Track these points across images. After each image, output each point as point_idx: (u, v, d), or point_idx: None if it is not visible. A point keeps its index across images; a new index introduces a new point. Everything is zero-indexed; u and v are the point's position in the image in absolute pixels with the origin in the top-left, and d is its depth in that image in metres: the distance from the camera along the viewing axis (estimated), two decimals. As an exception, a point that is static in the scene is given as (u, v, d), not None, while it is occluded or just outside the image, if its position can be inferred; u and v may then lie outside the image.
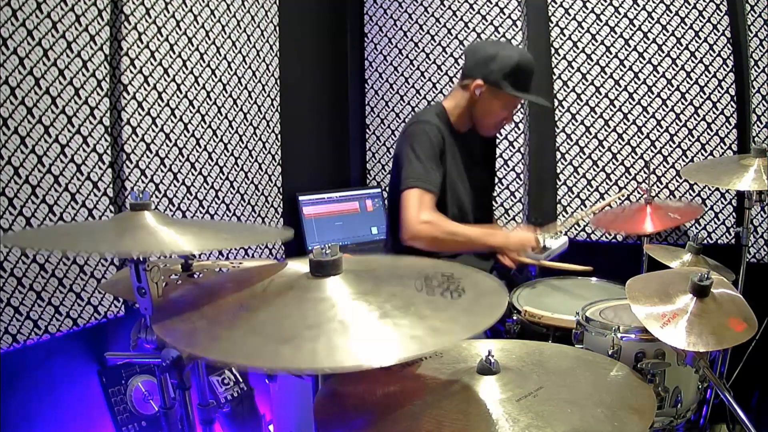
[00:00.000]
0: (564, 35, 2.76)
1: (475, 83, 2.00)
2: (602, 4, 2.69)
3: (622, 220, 2.48)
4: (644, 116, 2.70)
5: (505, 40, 2.82)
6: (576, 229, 2.84)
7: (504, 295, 1.02)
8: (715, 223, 2.66)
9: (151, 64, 2.03)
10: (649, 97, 2.68)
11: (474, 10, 2.88)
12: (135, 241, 1.03)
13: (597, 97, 2.75)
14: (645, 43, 2.66)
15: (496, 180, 2.64)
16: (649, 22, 2.64)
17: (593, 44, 2.73)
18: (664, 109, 2.67)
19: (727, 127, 2.60)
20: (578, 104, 2.78)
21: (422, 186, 1.93)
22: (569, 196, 2.84)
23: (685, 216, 2.53)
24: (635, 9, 2.65)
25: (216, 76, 2.29)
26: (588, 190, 2.82)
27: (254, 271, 1.14)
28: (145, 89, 2.02)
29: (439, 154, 2.00)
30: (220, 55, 2.30)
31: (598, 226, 2.72)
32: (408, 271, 1.08)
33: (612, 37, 2.70)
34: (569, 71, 2.78)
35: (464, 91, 2.06)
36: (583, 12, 2.72)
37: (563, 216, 2.86)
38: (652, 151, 2.71)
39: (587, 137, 2.79)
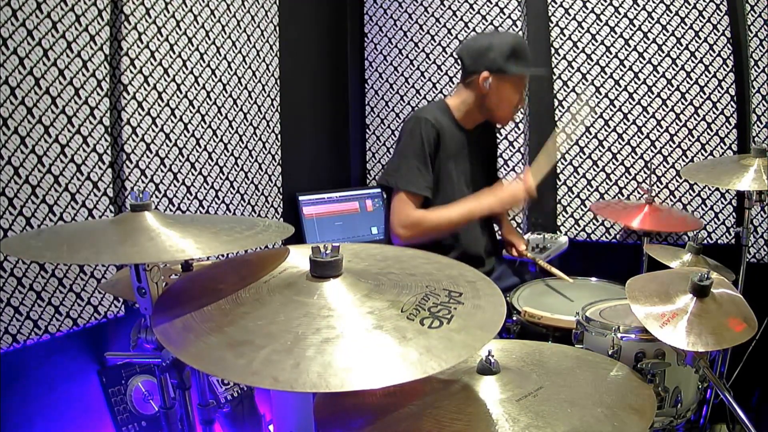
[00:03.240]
0: (564, 35, 2.76)
1: (481, 77, 2.00)
2: (602, 4, 2.69)
3: (621, 214, 2.58)
4: (644, 116, 2.70)
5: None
6: (576, 228, 2.84)
7: (483, 340, 0.92)
8: (715, 223, 2.66)
9: (151, 64, 2.03)
10: (649, 97, 2.68)
11: (474, 10, 2.88)
12: (135, 248, 1.02)
13: (597, 97, 2.75)
14: (645, 43, 2.66)
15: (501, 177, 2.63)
16: (649, 22, 2.64)
17: (593, 44, 2.73)
18: (664, 109, 2.67)
19: (727, 127, 2.60)
20: (578, 104, 2.78)
21: (406, 188, 1.96)
22: (569, 196, 2.84)
23: (682, 227, 2.60)
24: (635, 9, 2.65)
25: (216, 76, 2.29)
26: (588, 190, 2.82)
27: (256, 260, 1.13)
28: (145, 89, 2.02)
29: (433, 152, 2.00)
30: (220, 55, 2.30)
31: (597, 214, 2.75)
32: (417, 280, 1.04)
33: (612, 37, 2.70)
34: (569, 71, 2.78)
35: (469, 88, 2.06)
36: (583, 12, 2.72)
37: (563, 215, 2.86)
38: (652, 151, 2.71)
39: (587, 137, 2.79)
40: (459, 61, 2.12)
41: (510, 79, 2.01)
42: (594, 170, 2.80)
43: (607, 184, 2.79)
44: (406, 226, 1.96)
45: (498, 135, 2.73)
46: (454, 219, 1.98)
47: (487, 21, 2.87)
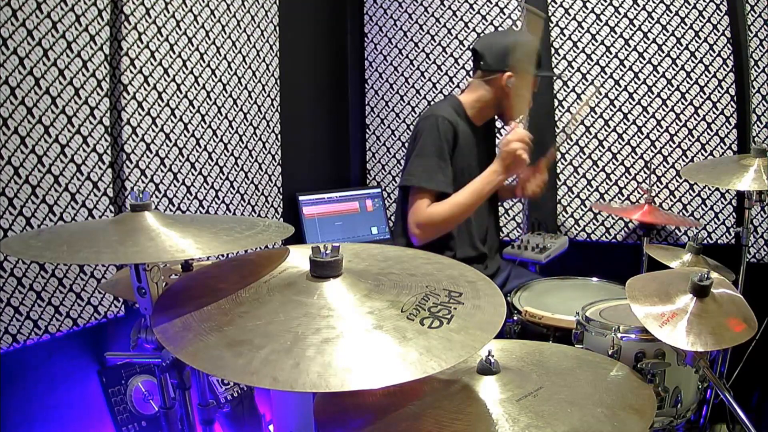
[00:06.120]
0: (564, 35, 2.76)
1: (505, 76, 2.03)
2: (602, 4, 2.69)
3: (621, 213, 2.64)
4: (644, 116, 2.70)
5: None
6: (576, 228, 2.84)
7: (483, 340, 0.92)
8: (715, 223, 2.66)
9: (151, 64, 2.03)
10: (649, 97, 2.68)
11: (474, 10, 2.88)
12: (135, 248, 1.02)
13: (597, 97, 2.75)
14: (645, 43, 2.66)
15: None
16: (649, 22, 2.64)
17: (593, 44, 2.73)
18: (664, 109, 2.67)
19: (727, 127, 2.60)
20: (578, 104, 2.78)
21: (426, 185, 1.95)
22: (569, 196, 2.84)
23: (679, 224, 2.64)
24: (635, 9, 2.65)
25: (216, 76, 2.29)
26: (588, 190, 2.82)
27: (256, 260, 1.13)
28: (145, 89, 2.02)
29: (451, 149, 2.00)
30: (220, 55, 2.30)
31: (599, 210, 2.78)
32: (417, 280, 1.03)
33: (612, 37, 2.70)
34: (569, 71, 2.78)
35: (489, 85, 2.07)
36: (583, 12, 2.72)
37: (563, 215, 2.86)
38: (652, 151, 2.71)
39: (587, 137, 2.79)
40: (477, 57, 2.10)
41: (527, 78, 2.04)
42: (594, 170, 2.80)
43: (607, 184, 2.79)
44: (420, 225, 1.95)
45: (498, 135, 2.74)
46: (463, 202, 1.95)
47: (487, 21, 2.87)
